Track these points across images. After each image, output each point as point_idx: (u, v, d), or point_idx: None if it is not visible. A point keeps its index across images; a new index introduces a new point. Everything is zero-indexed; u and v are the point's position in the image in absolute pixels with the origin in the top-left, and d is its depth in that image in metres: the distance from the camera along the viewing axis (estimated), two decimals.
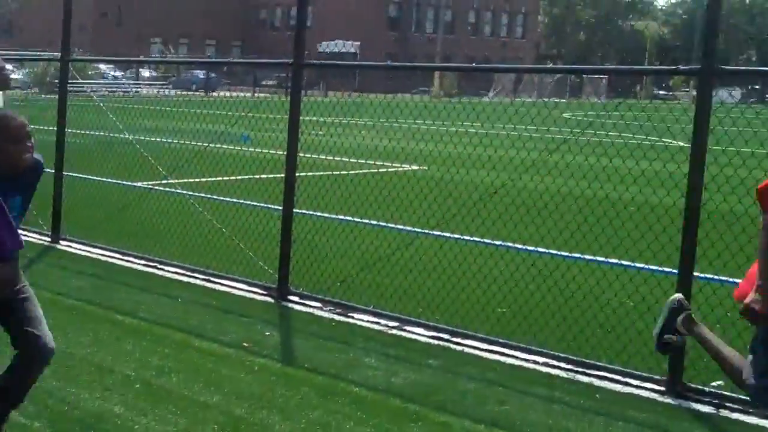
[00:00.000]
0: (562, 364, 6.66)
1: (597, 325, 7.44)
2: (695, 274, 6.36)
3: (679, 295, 5.40)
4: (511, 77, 61.56)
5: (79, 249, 10.03)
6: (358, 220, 11.21)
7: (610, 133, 13.26)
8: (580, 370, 6.56)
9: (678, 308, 5.25)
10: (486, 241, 10.31)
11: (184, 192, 12.45)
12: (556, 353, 6.78)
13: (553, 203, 10.43)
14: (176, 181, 12.71)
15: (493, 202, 10.74)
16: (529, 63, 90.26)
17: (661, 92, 77.52)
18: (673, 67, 7.21)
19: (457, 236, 10.48)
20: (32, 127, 4.69)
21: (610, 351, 6.81)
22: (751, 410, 5.83)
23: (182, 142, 16.49)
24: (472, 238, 10.53)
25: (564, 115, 32.52)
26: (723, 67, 6.41)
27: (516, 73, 67.08)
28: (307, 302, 8.17)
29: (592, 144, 10.52)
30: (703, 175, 6.21)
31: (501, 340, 7.07)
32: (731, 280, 8.37)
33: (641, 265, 8.90)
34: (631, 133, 11.86)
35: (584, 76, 75.07)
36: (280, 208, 8.48)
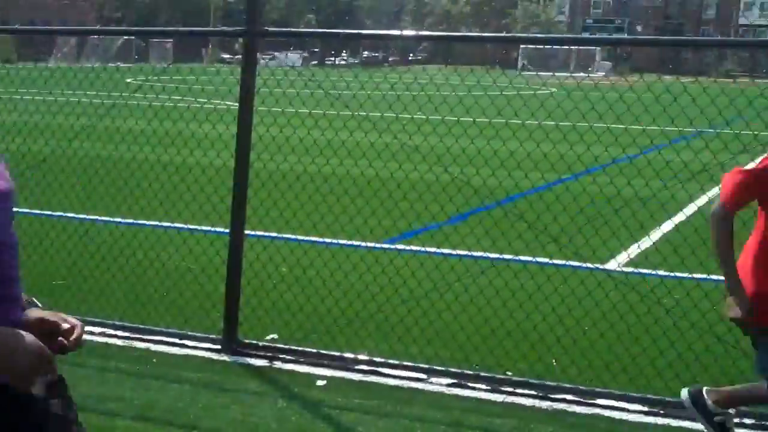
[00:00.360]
0: (119, 332, 6.52)
1: (153, 289, 7.38)
2: (246, 232, 6.45)
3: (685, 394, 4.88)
4: (74, 41, 59.71)
5: None
6: None
7: (160, 96, 13.14)
8: (136, 336, 6.47)
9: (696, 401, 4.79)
10: (35, 212, 9.84)
11: None
12: (112, 322, 6.64)
13: (104, 169, 10.19)
14: None
15: (42, 172, 10.27)
16: (93, 26, 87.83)
17: (226, 56, 78.58)
18: (219, 29, 7.28)
19: None
20: None
21: (167, 315, 6.78)
22: (302, 360, 6.04)
23: None
24: (22, 210, 10.03)
25: (128, 80, 31.97)
26: (268, 29, 6.46)
27: (78, 36, 65.03)
28: None
29: (142, 107, 10.39)
30: (250, 135, 6.30)
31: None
32: (280, 236, 8.66)
33: (194, 227, 8.94)
34: (181, 95, 11.82)
35: (151, 39, 74.74)
36: None
